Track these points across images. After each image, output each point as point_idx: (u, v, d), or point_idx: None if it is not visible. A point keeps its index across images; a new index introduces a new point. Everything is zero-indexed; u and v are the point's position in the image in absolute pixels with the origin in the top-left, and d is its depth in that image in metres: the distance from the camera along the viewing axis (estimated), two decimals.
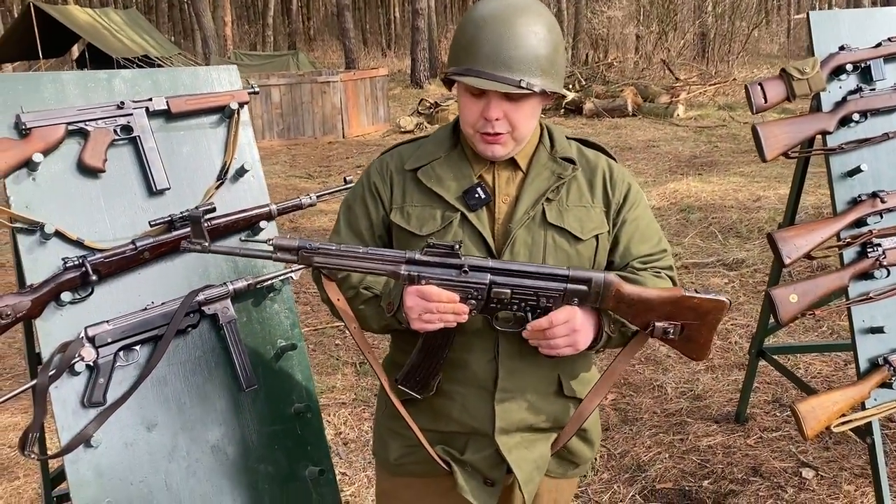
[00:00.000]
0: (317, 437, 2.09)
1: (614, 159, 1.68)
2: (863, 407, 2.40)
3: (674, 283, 1.62)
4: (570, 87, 13.58)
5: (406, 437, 1.60)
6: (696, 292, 1.50)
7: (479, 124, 1.50)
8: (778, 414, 3.42)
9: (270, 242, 1.45)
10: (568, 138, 1.67)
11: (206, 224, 1.44)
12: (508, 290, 1.45)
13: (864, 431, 2.43)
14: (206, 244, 1.44)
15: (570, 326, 1.46)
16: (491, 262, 1.45)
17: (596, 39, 20.49)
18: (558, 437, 1.60)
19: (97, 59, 16.75)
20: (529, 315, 1.47)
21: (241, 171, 2.09)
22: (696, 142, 9.97)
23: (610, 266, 1.62)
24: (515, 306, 1.46)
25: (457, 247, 1.44)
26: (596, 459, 3.22)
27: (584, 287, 1.46)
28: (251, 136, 2.16)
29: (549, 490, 1.67)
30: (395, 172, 1.60)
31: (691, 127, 11.06)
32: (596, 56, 18.85)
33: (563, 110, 13.11)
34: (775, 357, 3.25)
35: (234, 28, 26.89)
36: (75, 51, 20.46)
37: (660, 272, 1.63)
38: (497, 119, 1.48)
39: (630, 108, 12.31)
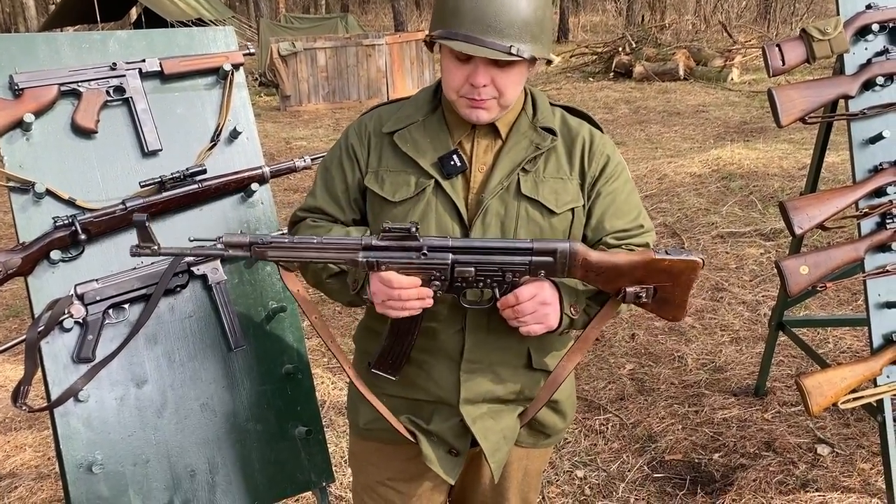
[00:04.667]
0: (307, 397, 2.11)
1: (600, 129, 1.62)
2: (874, 384, 2.32)
3: None
4: (621, 49, 13.23)
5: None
6: (668, 253, 1.44)
7: (464, 90, 1.45)
8: None
9: (221, 240, 1.44)
10: (553, 105, 1.61)
11: (149, 226, 1.42)
12: (472, 269, 1.41)
13: (875, 409, 2.35)
14: (156, 248, 1.43)
15: (539, 300, 1.43)
16: (451, 242, 1.41)
17: (653, 0, 19.86)
18: (529, 408, 1.58)
19: (154, 22, 16.98)
20: (497, 291, 1.44)
21: (235, 133, 2.10)
22: (747, 107, 9.64)
23: (583, 240, 1.56)
24: (482, 283, 1.43)
25: (413, 229, 1.40)
26: (607, 428, 3.19)
27: (549, 258, 1.42)
28: (246, 97, 2.16)
29: (520, 458, 1.66)
30: (373, 135, 1.57)
31: (744, 92, 10.67)
32: (653, 18, 18.29)
33: (612, 73, 12.80)
34: (798, 330, 3.15)
35: None
36: (133, 14, 20.78)
37: (634, 250, 1.57)
38: (484, 86, 1.43)
39: (682, 72, 11.93)
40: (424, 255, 1.40)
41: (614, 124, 9.38)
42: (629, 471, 2.92)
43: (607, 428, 3.20)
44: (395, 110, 1.59)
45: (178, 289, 1.96)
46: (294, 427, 2.08)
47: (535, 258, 1.42)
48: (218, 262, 1.99)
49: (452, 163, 1.49)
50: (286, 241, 1.43)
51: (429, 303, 1.42)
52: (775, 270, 4.59)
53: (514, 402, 1.58)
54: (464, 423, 1.54)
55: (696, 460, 2.93)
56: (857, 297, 4.12)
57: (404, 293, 1.39)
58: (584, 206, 1.55)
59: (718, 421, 3.15)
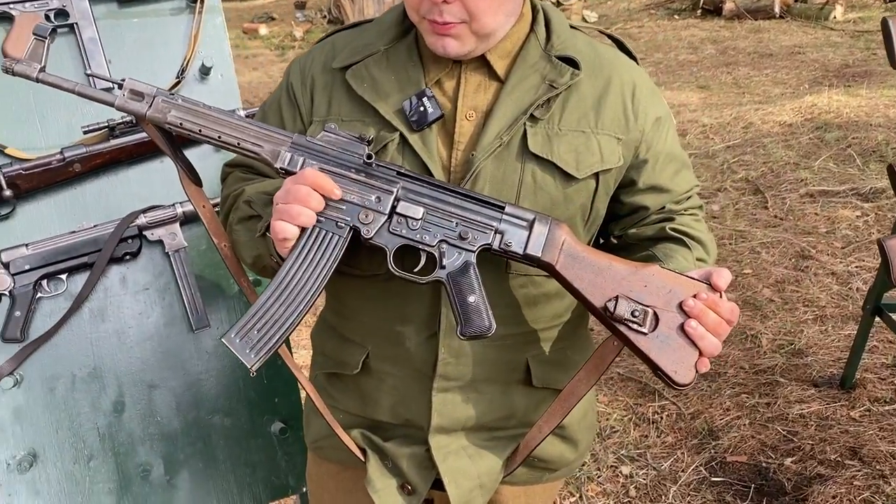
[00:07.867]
0: (287, 388, 1.78)
1: (636, 59, 1.19)
2: None
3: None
4: None
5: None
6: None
7: (423, 7, 1.05)
8: (895, 382, 2.83)
9: (124, 83, 1.07)
10: (573, 27, 1.19)
11: (50, 41, 1.10)
12: (421, 209, 1.03)
13: None
14: (40, 66, 1.07)
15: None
16: (404, 169, 1.06)
17: None
18: (514, 455, 1.20)
19: None
20: (443, 258, 1.04)
21: (206, 70, 1.74)
22: (850, 48, 8.69)
23: (612, 217, 1.21)
24: (427, 235, 1.04)
25: (367, 135, 1.06)
26: (661, 418, 2.78)
27: (523, 229, 1.04)
28: (222, 24, 1.79)
29: (516, 496, 1.28)
30: (319, 73, 1.18)
31: (848, 31, 9.66)
32: None
33: (700, 10, 11.85)
34: None
35: None
36: None
37: (696, 214, 1.22)
38: (445, 1, 1.03)
39: (777, 9, 10.91)
40: (370, 161, 1.03)
41: (699, 66, 8.64)
42: (683, 471, 2.52)
43: (661, 417, 2.79)
44: (353, 37, 1.19)
45: (128, 257, 1.63)
46: (270, 422, 1.76)
47: (504, 221, 1.03)
48: (176, 225, 1.66)
49: (422, 109, 1.09)
50: (199, 105, 1.07)
51: (336, 193, 1.02)
52: (873, 237, 4.01)
53: (503, 430, 1.21)
54: (431, 454, 1.17)
55: (764, 465, 2.50)
56: None
57: (309, 193, 1.01)
58: (618, 169, 1.14)
59: (794, 417, 2.69)
